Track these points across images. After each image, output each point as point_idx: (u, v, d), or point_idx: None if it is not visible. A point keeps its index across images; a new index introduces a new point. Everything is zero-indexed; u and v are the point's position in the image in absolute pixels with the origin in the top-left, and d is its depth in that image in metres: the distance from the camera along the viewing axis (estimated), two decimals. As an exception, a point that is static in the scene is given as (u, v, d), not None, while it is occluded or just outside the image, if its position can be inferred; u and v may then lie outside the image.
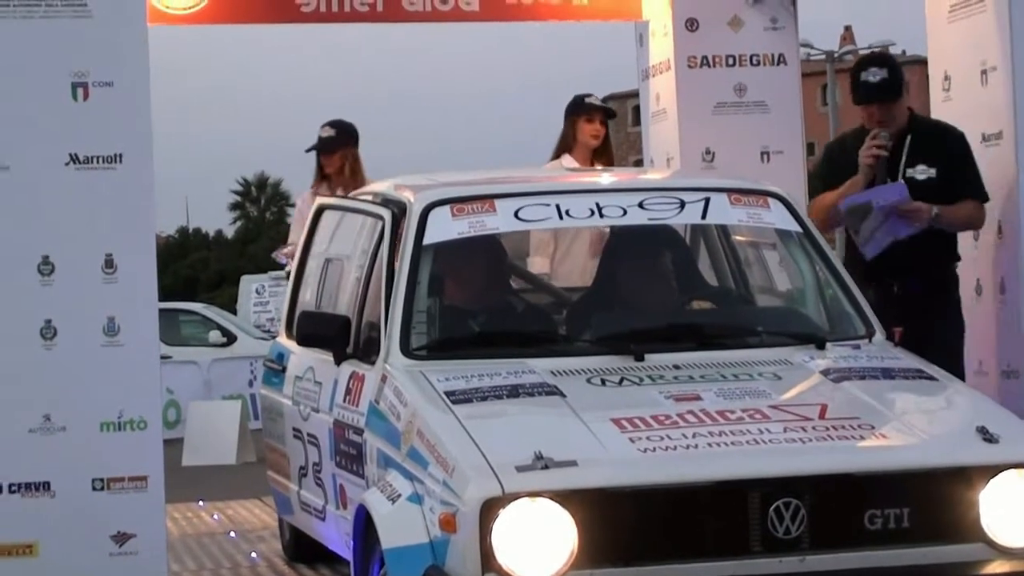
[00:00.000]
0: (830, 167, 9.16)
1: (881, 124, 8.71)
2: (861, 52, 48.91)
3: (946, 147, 8.74)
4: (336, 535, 7.75)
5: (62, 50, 7.90)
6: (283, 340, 9.05)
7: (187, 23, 11.19)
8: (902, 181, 8.55)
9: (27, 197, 7.87)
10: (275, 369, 9.00)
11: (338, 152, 10.53)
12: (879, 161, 8.60)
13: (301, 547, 8.98)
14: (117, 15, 8.00)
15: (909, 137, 8.73)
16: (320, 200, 9.26)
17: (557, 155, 10.73)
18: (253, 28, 11.85)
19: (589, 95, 11.07)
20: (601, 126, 10.65)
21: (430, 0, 11.35)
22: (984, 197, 8.66)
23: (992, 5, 8.74)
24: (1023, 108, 8.60)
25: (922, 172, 8.55)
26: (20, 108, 7.86)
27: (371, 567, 6.50)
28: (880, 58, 9.57)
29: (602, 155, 10.66)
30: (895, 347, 7.43)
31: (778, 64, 11.50)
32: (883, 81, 8.74)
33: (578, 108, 10.76)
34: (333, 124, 10.72)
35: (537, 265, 9.73)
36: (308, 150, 10.79)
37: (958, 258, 8.87)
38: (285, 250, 10.55)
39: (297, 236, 10.37)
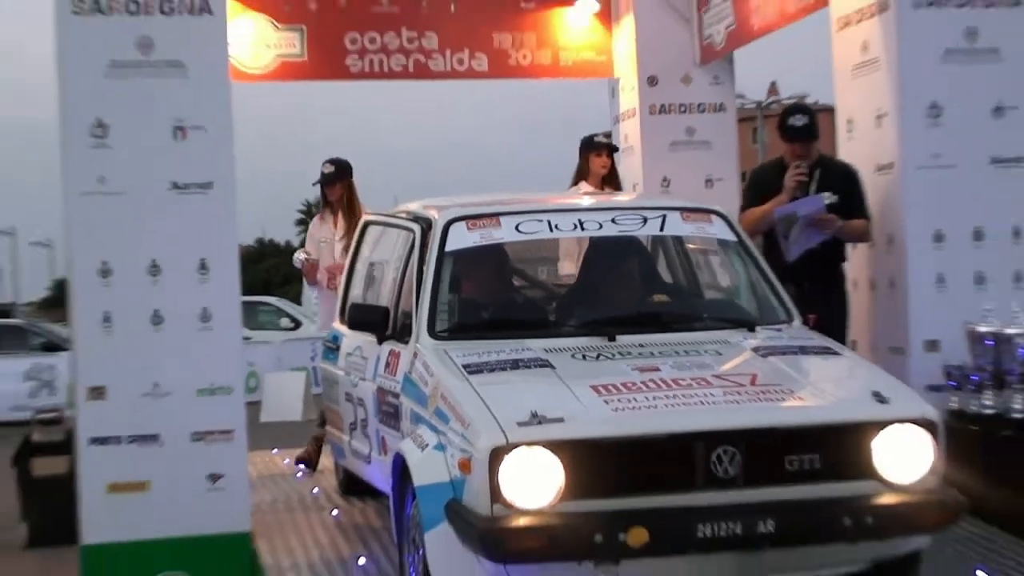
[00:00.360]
0: (755, 188, 9.25)
1: (801, 158, 8.89)
2: (784, 102, 48.74)
3: (846, 180, 8.89)
4: (378, 475, 7.79)
5: (167, 101, 7.90)
6: (338, 325, 9.13)
7: (261, 80, 11.27)
8: (820, 195, 8.68)
9: (139, 215, 7.87)
10: (331, 348, 9.07)
11: (337, 184, 10.42)
12: (800, 185, 8.78)
13: (351, 484, 9.02)
14: (208, 74, 8.01)
15: (819, 170, 8.91)
16: (366, 217, 9.29)
17: (575, 182, 10.75)
18: (312, 84, 11.86)
19: (597, 134, 11.10)
20: (608, 159, 10.67)
21: (450, 63, 11.44)
22: (869, 217, 8.83)
23: (884, 67, 8.77)
24: (907, 145, 8.65)
25: (828, 197, 8.66)
26: (134, 146, 7.87)
27: (406, 501, 6.55)
28: (803, 108, 9.73)
29: (610, 181, 10.67)
30: (809, 330, 7.51)
31: (719, 111, 11.61)
32: (804, 126, 8.95)
33: (589, 145, 10.76)
34: (332, 161, 10.53)
35: (566, 268, 9.83)
36: (314, 184, 10.61)
37: (844, 259, 9.10)
38: (300, 256, 10.54)
39: (311, 248, 10.54)
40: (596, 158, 10.64)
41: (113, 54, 7.89)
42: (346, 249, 10.06)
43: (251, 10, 11.13)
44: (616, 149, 10.90)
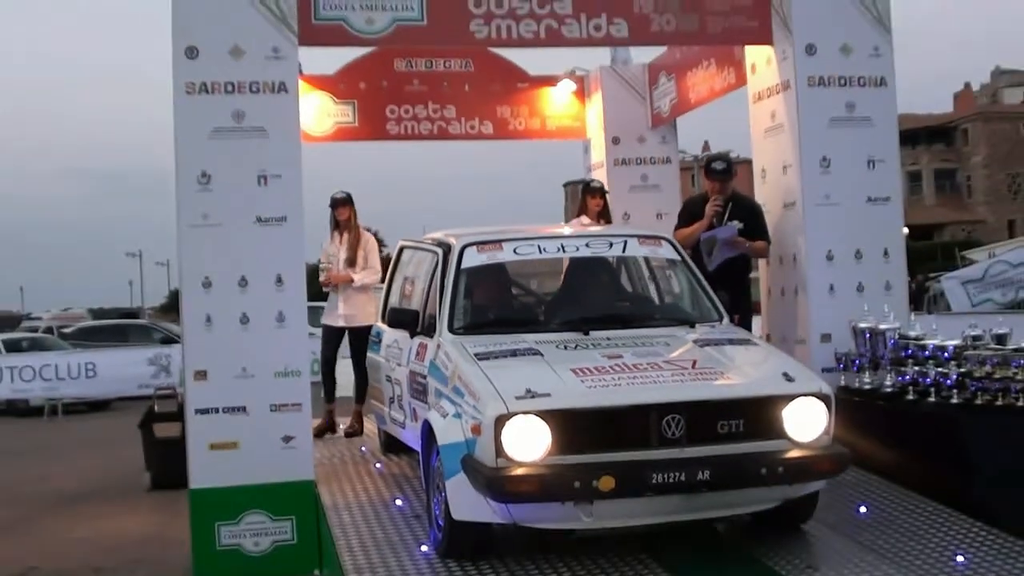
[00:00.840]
0: (686, 214, 9.31)
1: (719, 193, 9.01)
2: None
3: (751, 212, 9.00)
4: (411, 437, 7.72)
5: (254, 157, 7.84)
6: (379, 324, 9.08)
7: (323, 141, 11.23)
8: (733, 224, 8.85)
9: (232, 242, 7.82)
10: (375, 341, 8.99)
11: (345, 207, 10.17)
12: (716, 213, 8.92)
13: (390, 444, 8.94)
14: (284, 137, 7.95)
15: (731, 203, 9.01)
16: (401, 242, 9.19)
17: (577, 215, 10.70)
18: (362, 144, 11.83)
19: (594, 180, 11.19)
20: (601, 199, 10.55)
21: (465, 128, 11.42)
22: (769, 240, 8.94)
23: (788, 130, 8.73)
24: (806, 188, 8.58)
25: (736, 224, 8.82)
26: (229, 190, 7.82)
27: (431, 456, 6.49)
28: (722, 156, 9.85)
29: (604, 216, 10.52)
30: (735, 326, 7.46)
31: (666, 163, 11.56)
32: (723, 169, 9.08)
33: (587, 189, 10.77)
34: (342, 191, 10.28)
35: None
36: (329, 206, 10.26)
37: (750, 271, 9.21)
38: (323, 270, 10.30)
39: (324, 260, 10.28)
40: (591, 199, 10.53)
41: (215, 122, 7.85)
42: (348, 262, 10.11)
43: (316, 89, 11.08)
44: (606, 192, 10.77)
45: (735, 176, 9.20)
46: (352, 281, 10.08)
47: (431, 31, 8.42)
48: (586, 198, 10.64)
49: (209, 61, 7.86)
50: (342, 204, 10.18)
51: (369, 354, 9.21)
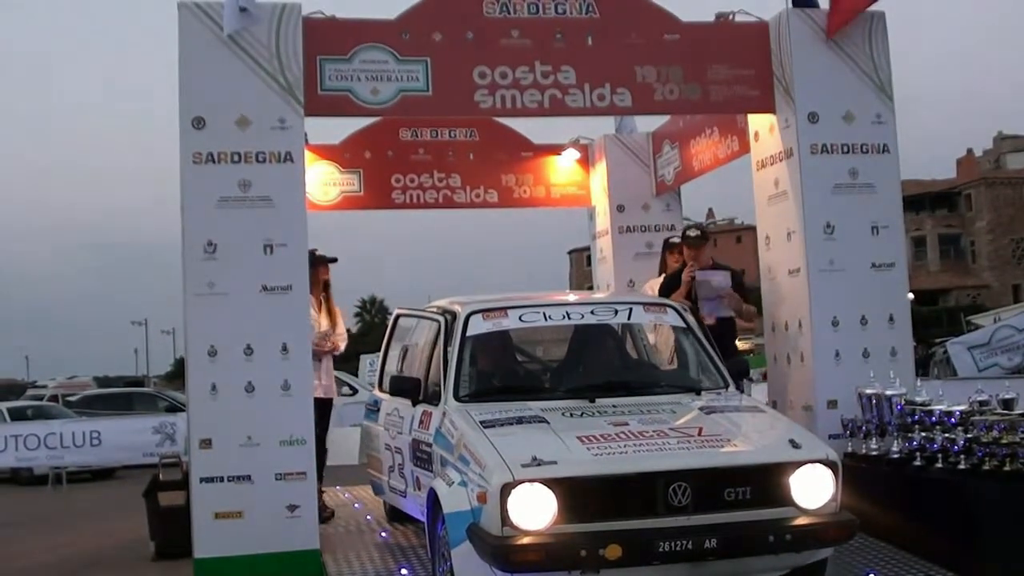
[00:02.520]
0: (665, 289, 9.37)
1: (694, 260, 9.19)
2: (718, 222, 49.15)
3: (732, 278, 9.17)
4: (412, 506, 7.71)
5: (260, 226, 7.91)
6: (376, 392, 9.05)
7: (329, 210, 11.28)
8: (727, 271, 9.12)
9: (238, 310, 7.85)
10: (372, 409, 8.92)
11: (327, 268, 9.83)
12: (692, 279, 9.08)
13: (396, 513, 8.88)
14: (290, 206, 8.01)
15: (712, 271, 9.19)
16: (397, 311, 9.17)
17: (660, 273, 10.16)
18: (367, 212, 11.85)
19: (672, 236, 10.59)
20: (681, 254, 9.69)
21: (470, 196, 11.49)
22: (752, 303, 9.24)
23: (791, 197, 8.78)
24: (810, 255, 8.63)
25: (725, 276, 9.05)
26: (235, 259, 7.86)
27: (437, 525, 6.45)
28: (697, 225, 9.90)
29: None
30: (740, 393, 7.45)
31: (671, 231, 11.57)
32: (697, 236, 9.31)
33: (665, 245, 10.43)
34: (319, 252, 9.62)
35: None
36: (315, 264, 9.39)
37: (736, 335, 9.49)
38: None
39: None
40: (670, 256, 10.11)
41: (221, 192, 7.92)
42: (331, 327, 9.71)
43: (322, 158, 11.17)
44: (697, 239, 9.58)
45: (709, 242, 9.45)
46: (338, 349, 9.93)
47: (436, 101, 8.51)
48: (665, 256, 10.35)
49: (216, 131, 7.94)
50: (327, 263, 9.91)
51: (366, 422, 9.16)
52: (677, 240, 10.33)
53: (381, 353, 9.23)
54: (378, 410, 8.72)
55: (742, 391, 7.73)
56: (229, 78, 7.98)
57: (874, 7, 8.73)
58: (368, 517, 9.41)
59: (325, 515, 9.25)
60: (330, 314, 9.83)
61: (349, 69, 8.31)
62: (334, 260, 9.97)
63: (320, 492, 9.24)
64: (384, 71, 8.34)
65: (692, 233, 9.35)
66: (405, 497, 7.89)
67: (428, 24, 8.46)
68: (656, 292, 9.50)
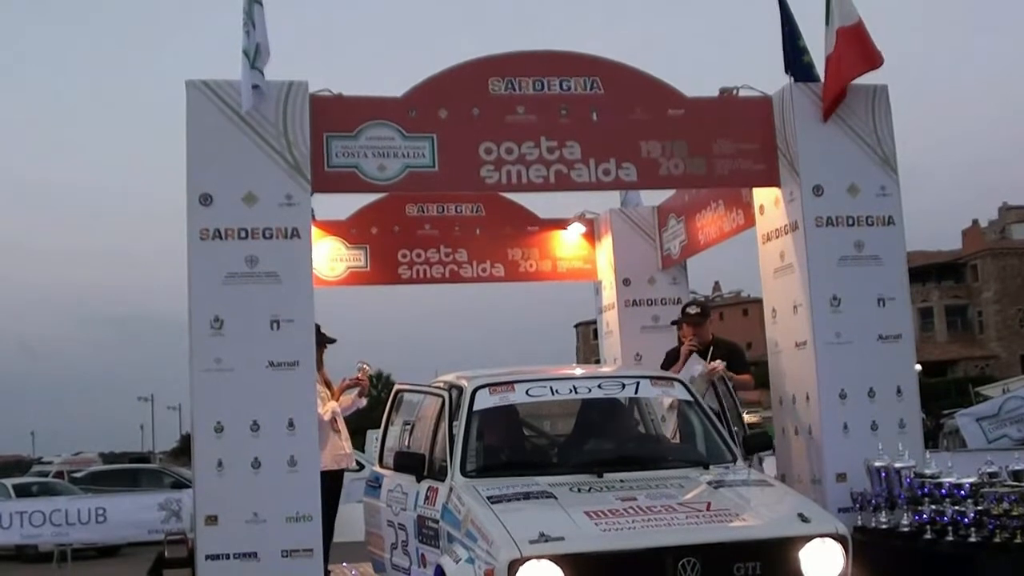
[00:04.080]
0: (667, 360, 9.55)
1: (695, 334, 9.35)
2: (725, 295, 49.19)
3: (731, 350, 9.31)
4: None
5: (266, 302, 7.94)
6: (377, 468, 8.98)
7: (335, 285, 11.31)
8: (697, 362, 9.07)
9: (245, 386, 7.86)
10: (373, 486, 8.84)
11: (325, 345, 9.62)
12: (691, 352, 9.20)
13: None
14: (296, 282, 8.05)
15: (712, 347, 9.26)
16: (397, 386, 9.13)
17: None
18: (374, 288, 11.87)
19: (688, 305, 10.19)
20: (694, 327, 9.56)
21: (476, 271, 11.51)
22: (752, 374, 9.35)
23: (797, 270, 8.80)
24: (817, 327, 8.62)
25: (706, 365, 8.90)
26: (242, 335, 7.89)
27: (444, 603, 6.43)
28: (697, 302, 10.07)
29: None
30: (749, 467, 7.42)
31: (676, 304, 11.54)
32: (696, 312, 9.48)
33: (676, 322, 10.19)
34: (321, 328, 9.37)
35: None
36: (324, 343, 9.53)
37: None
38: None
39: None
40: (681, 332, 9.87)
41: (228, 267, 7.97)
42: (332, 396, 9.63)
43: (328, 234, 11.22)
44: (702, 315, 9.72)
45: (709, 319, 9.55)
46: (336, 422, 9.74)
47: (442, 177, 8.58)
48: (678, 331, 10.22)
49: (223, 208, 8.01)
50: (326, 344, 9.75)
51: (366, 499, 9.10)
52: (693, 312, 10.33)
53: (381, 429, 9.18)
54: (379, 486, 8.65)
55: (760, 463, 7.71)
56: (236, 155, 8.06)
57: (877, 80, 8.81)
58: (374, 595, 9.32)
59: None
60: (328, 385, 9.80)
61: (356, 146, 8.38)
62: (333, 341, 9.96)
63: (327, 571, 9.16)
64: (391, 148, 8.41)
65: (692, 310, 9.50)
66: (409, 574, 7.82)
67: (434, 101, 8.54)
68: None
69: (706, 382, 8.68)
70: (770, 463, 9.24)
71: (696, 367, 8.95)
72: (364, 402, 10.05)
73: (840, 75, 8.64)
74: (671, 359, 9.45)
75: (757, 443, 7.80)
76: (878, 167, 8.84)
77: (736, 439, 7.64)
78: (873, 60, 8.57)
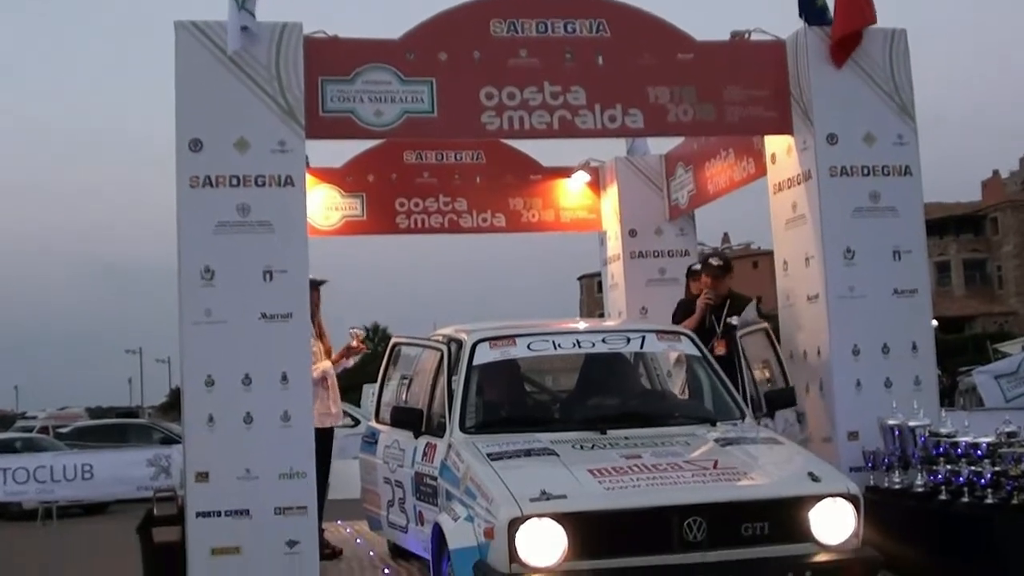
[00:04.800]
0: (681, 311, 9.53)
1: (712, 289, 9.23)
2: (734, 247, 49.25)
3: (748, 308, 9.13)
4: (413, 542, 7.73)
5: (259, 252, 7.94)
6: (373, 424, 9.05)
7: (331, 235, 11.31)
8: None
9: (236, 339, 7.87)
10: (370, 441, 8.92)
11: (318, 289, 9.53)
12: (708, 306, 9.15)
13: (399, 549, 8.88)
14: (290, 231, 8.04)
15: (728, 300, 9.18)
16: (394, 339, 9.14)
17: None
18: (370, 237, 11.88)
19: (694, 263, 10.57)
20: (705, 279, 9.64)
21: (476, 221, 11.52)
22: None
23: (810, 221, 8.79)
24: (829, 280, 8.63)
25: (735, 319, 8.77)
26: (233, 286, 7.90)
27: (442, 561, 6.47)
28: (720, 254, 10.12)
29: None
30: (758, 424, 7.45)
31: (684, 256, 11.58)
32: (719, 265, 9.38)
33: (688, 273, 10.44)
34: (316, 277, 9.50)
35: None
36: (319, 284, 9.55)
37: None
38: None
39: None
40: (692, 283, 10.04)
41: (219, 216, 7.96)
42: (326, 353, 9.72)
43: (323, 182, 11.22)
44: (720, 268, 9.65)
45: (730, 273, 9.43)
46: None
47: (442, 123, 8.56)
48: (688, 284, 10.35)
49: (214, 154, 7.98)
50: (317, 287, 9.68)
51: (362, 455, 9.15)
52: (699, 268, 10.36)
53: (378, 383, 9.23)
54: (375, 442, 8.72)
55: (801, 421, 7.69)
56: (227, 99, 8.03)
57: (896, 24, 8.78)
58: (371, 553, 9.42)
59: (327, 552, 9.19)
60: (322, 339, 9.84)
61: (352, 90, 8.35)
62: (324, 281, 9.94)
63: (321, 529, 9.23)
64: (388, 92, 8.39)
65: (715, 262, 9.44)
66: (406, 533, 7.88)
67: (433, 44, 8.51)
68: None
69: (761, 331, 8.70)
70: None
71: (751, 313, 8.98)
72: (352, 362, 10.09)
73: (846, 22, 8.62)
74: (685, 311, 9.41)
75: (780, 399, 7.83)
76: (895, 115, 8.82)
77: (759, 395, 7.69)
78: (866, 17, 8.57)
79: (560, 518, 5.72)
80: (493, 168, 11.58)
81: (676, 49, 8.86)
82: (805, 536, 5.98)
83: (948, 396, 27.42)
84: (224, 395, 7.84)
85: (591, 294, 74.15)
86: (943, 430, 7.71)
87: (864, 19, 8.60)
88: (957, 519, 7.13)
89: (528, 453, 6.51)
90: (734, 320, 8.77)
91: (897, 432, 7.84)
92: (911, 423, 7.76)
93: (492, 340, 7.51)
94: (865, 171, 8.73)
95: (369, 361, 11.40)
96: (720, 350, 8.70)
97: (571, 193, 12.05)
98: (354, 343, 10.01)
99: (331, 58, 8.36)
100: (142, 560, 11.66)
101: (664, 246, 11.79)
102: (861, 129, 8.75)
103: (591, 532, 5.76)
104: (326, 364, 9.61)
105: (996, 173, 76.43)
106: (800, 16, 8.93)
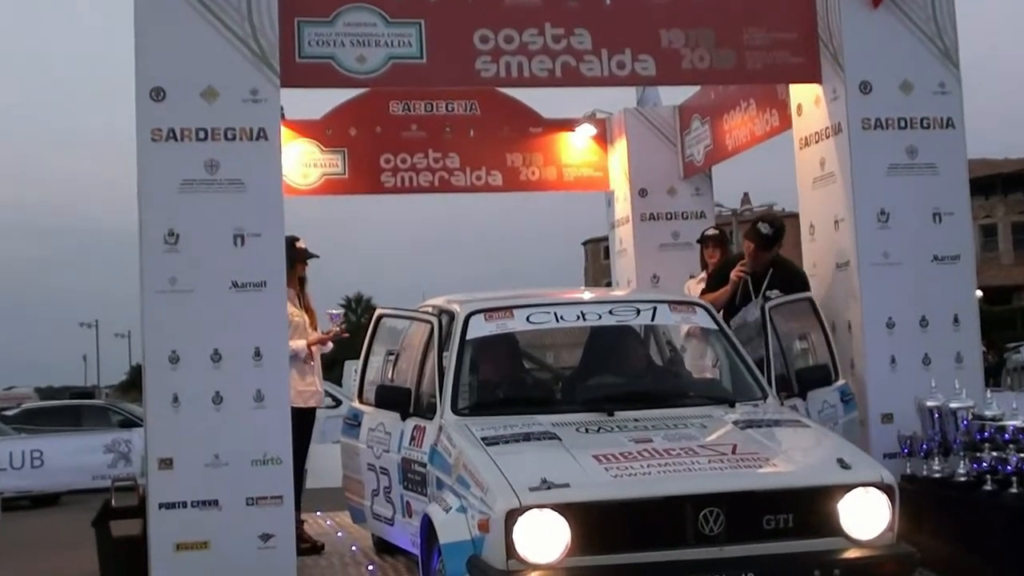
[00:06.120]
0: (716, 276, 9.36)
1: (751, 259, 8.93)
2: (756, 210, 49.13)
3: (791, 282, 8.80)
4: (400, 535, 7.75)
5: (229, 213, 7.94)
6: (356, 404, 9.00)
7: (309, 194, 11.32)
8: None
9: (204, 310, 7.88)
10: (352, 424, 8.87)
11: (306, 262, 9.83)
12: (740, 279, 8.89)
13: (384, 543, 8.92)
14: (264, 190, 8.04)
15: (772, 270, 8.90)
16: (379, 311, 9.15)
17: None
18: (353, 197, 11.90)
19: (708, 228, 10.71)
20: (715, 249, 10.16)
21: (470, 179, 11.51)
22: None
23: (840, 180, 8.80)
24: (861, 245, 8.65)
25: (775, 294, 8.55)
26: (201, 251, 7.90)
27: (432, 557, 6.49)
28: (774, 219, 9.52)
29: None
30: (781, 405, 7.47)
31: (700, 218, 11.63)
32: (767, 236, 8.94)
33: (700, 240, 10.49)
34: (300, 243, 9.69)
35: None
36: (302, 260, 9.76)
37: None
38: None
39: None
40: (707, 251, 10.21)
41: (184, 174, 7.95)
42: (312, 327, 9.82)
43: (300, 136, 11.22)
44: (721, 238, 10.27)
45: (779, 245, 9.04)
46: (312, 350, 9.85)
47: (431, 70, 8.55)
48: (702, 252, 10.41)
49: (178, 104, 7.97)
50: (307, 260, 9.92)
51: (344, 439, 9.18)
52: (712, 233, 10.40)
53: (361, 359, 9.22)
54: (358, 424, 8.70)
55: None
56: (193, 43, 8.01)
57: None
58: (353, 548, 9.46)
59: (305, 546, 9.23)
60: (308, 313, 9.86)
61: (332, 33, 8.34)
62: (315, 256, 9.97)
63: (298, 521, 9.27)
64: (372, 35, 8.37)
65: (764, 229, 8.95)
66: (392, 525, 7.91)
67: (422, -20, 8.50)
68: (697, 293, 9.48)
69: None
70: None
71: (753, 312, 8.80)
72: (331, 347, 10.10)
73: None
74: (719, 280, 9.18)
75: (812, 378, 7.85)
76: (937, 61, 8.81)
77: (790, 373, 7.71)
78: None
79: (562, 509, 5.72)
80: (488, 120, 11.57)
81: (693, -13, 8.86)
82: (834, 530, 5.98)
83: (994, 374, 27.51)
84: (190, 373, 7.85)
85: (597, 260, 74.20)
86: (988, 413, 7.71)
87: None
88: (1004, 512, 7.16)
89: (527, 437, 6.52)
90: (773, 294, 8.61)
91: (937, 415, 7.84)
92: (952, 405, 7.76)
93: (487, 312, 7.52)
94: (902, 123, 8.74)
95: (352, 334, 11.36)
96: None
97: (575, 148, 12.06)
98: (336, 328, 10.07)
99: (308, -3, 8.34)
100: (99, 557, 11.70)
101: (678, 207, 11.81)
102: (898, 76, 8.75)
103: (597, 525, 5.77)
104: (302, 343, 9.62)
105: (1049, 126, 76.26)
106: None
